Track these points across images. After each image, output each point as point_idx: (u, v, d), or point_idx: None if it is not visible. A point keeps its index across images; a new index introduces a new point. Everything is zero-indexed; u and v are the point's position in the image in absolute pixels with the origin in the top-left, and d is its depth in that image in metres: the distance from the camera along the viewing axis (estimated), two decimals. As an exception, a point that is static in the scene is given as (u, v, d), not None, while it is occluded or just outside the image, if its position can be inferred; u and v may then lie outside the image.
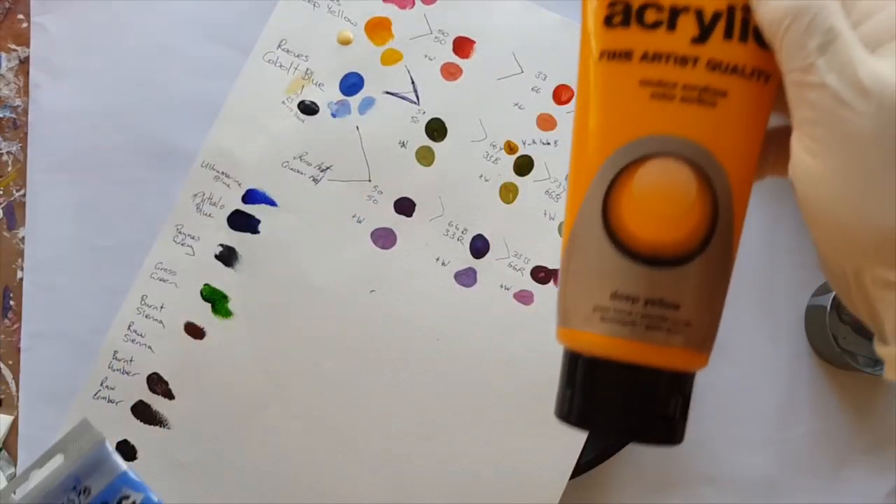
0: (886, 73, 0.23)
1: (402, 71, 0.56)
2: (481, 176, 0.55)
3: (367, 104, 0.56)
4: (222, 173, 0.55)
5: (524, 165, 0.56)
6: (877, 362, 0.59)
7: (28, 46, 0.61)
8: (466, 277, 0.55)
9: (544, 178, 0.56)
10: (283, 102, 0.56)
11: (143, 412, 0.54)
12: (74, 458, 0.46)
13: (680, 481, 0.57)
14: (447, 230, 0.55)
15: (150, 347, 0.54)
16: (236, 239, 0.55)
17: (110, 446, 0.46)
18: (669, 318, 0.25)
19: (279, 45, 0.56)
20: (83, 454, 0.46)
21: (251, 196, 0.55)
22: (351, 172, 0.55)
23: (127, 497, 0.45)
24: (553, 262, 0.55)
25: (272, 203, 0.55)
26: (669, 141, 0.25)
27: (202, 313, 0.55)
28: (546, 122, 0.56)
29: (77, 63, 0.60)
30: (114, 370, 0.54)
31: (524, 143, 0.56)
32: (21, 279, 0.59)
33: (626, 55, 0.26)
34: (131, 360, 0.54)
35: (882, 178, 0.23)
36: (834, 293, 0.57)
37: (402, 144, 0.56)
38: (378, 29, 0.57)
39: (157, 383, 0.54)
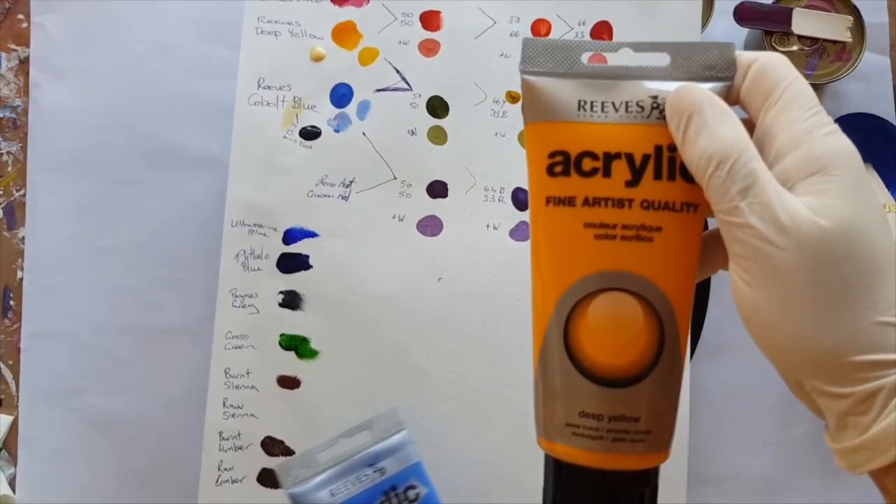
0: (801, 210, 0.25)
1: (383, 65, 0.56)
2: (496, 133, 0.56)
3: (364, 108, 0.56)
4: (255, 225, 0.55)
5: None
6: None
7: (28, 46, 0.61)
8: (521, 232, 0.55)
9: None
10: (285, 137, 0.55)
11: (270, 479, 0.53)
12: (378, 438, 0.49)
13: (680, 482, 0.57)
14: (486, 195, 0.55)
15: (252, 415, 0.54)
16: (293, 281, 0.54)
17: (412, 436, 0.49)
18: (631, 430, 0.29)
19: (259, 85, 0.55)
20: (387, 436, 0.49)
21: (290, 236, 0.55)
22: (375, 177, 0.55)
23: (414, 487, 0.48)
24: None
25: (313, 235, 0.55)
26: (615, 276, 0.29)
27: (289, 363, 0.54)
28: None
29: (77, 63, 0.60)
30: (225, 451, 0.53)
31: None
32: (21, 279, 0.59)
33: (569, 201, 0.29)
34: (239, 435, 0.53)
35: (806, 308, 0.25)
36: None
37: (412, 132, 0.56)
38: (345, 34, 0.57)
39: (273, 445, 0.53)
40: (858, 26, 0.60)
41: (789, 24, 0.59)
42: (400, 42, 0.57)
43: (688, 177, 0.29)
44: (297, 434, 0.53)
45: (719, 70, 0.29)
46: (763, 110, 0.28)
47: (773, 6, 0.59)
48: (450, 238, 0.55)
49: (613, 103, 0.29)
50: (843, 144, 0.27)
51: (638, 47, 0.30)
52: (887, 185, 0.58)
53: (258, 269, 0.54)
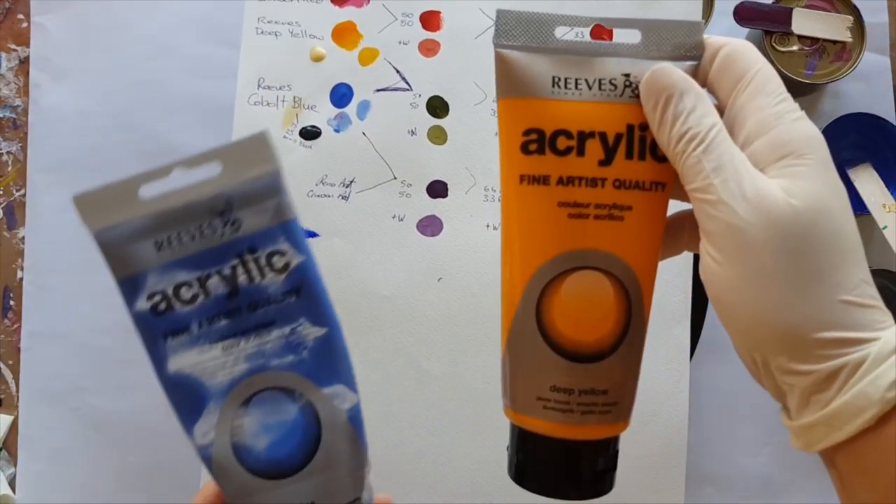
0: (774, 190, 0.26)
1: (383, 65, 0.56)
2: (496, 133, 0.56)
3: (364, 108, 0.56)
4: None
5: None
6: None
7: (28, 46, 0.61)
8: None
9: None
10: (285, 137, 0.55)
11: None
12: (233, 177, 0.33)
13: (679, 482, 0.57)
14: (486, 195, 0.55)
15: None
16: None
17: (285, 180, 0.32)
18: (600, 402, 0.30)
19: (259, 85, 0.56)
20: (248, 176, 0.33)
21: None
22: (375, 177, 0.55)
23: (282, 253, 0.31)
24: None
25: (313, 235, 0.55)
26: (588, 254, 0.30)
27: None
28: None
29: (77, 63, 0.60)
30: None
31: None
32: (21, 279, 0.59)
33: (543, 180, 0.30)
34: None
35: (774, 284, 0.26)
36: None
37: (412, 132, 0.56)
38: (345, 34, 0.57)
39: None
40: (858, 26, 0.59)
41: (789, 23, 0.59)
42: (400, 42, 0.57)
43: (657, 156, 0.29)
44: None
45: (688, 49, 0.30)
46: (732, 95, 0.29)
47: (773, 6, 0.59)
48: (450, 238, 0.55)
49: (587, 80, 0.30)
50: (812, 130, 0.28)
51: (610, 23, 0.30)
52: (888, 185, 0.58)
53: None
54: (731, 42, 0.30)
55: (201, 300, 0.31)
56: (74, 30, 0.60)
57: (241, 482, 0.31)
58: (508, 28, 0.30)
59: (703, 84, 0.30)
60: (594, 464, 0.31)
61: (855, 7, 0.59)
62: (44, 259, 0.59)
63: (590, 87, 0.30)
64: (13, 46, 0.61)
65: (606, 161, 0.29)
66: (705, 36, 0.30)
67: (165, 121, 0.59)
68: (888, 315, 0.27)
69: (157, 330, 0.31)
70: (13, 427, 0.57)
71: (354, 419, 0.31)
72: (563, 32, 0.30)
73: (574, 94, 0.30)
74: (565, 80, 0.30)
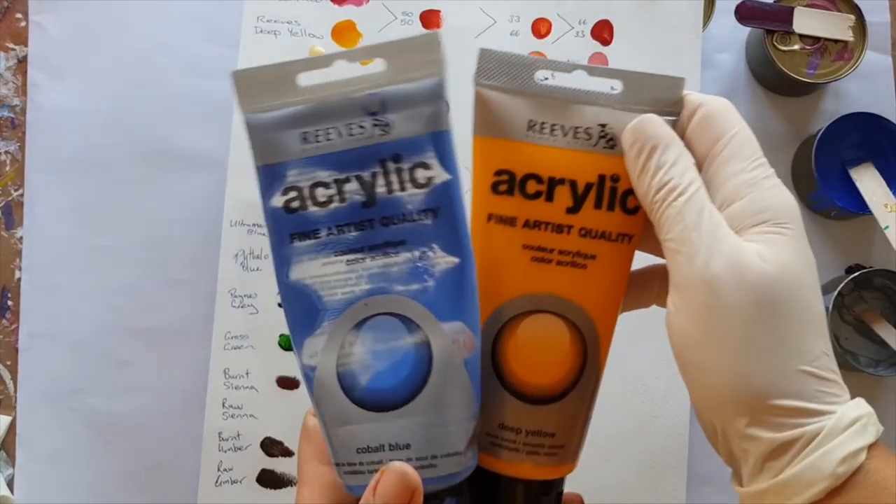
0: (750, 253, 0.27)
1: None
2: None
3: (366, 106, 0.56)
4: (254, 225, 0.54)
5: None
6: (878, 363, 0.59)
7: (26, 45, 0.60)
8: None
9: None
10: None
11: (269, 479, 0.53)
12: (393, 77, 0.30)
13: (679, 482, 0.57)
14: None
15: (252, 416, 0.54)
16: None
17: (446, 90, 0.30)
18: (546, 444, 0.31)
19: None
20: (409, 77, 0.30)
21: None
22: None
23: (427, 167, 0.29)
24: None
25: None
26: (547, 299, 0.30)
27: (289, 363, 0.54)
28: None
29: (75, 62, 0.60)
30: (225, 451, 0.53)
31: None
32: (19, 279, 0.58)
33: (510, 221, 0.30)
34: (238, 435, 0.53)
35: (739, 346, 0.26)
36: (835, 293, 0.56)
37: None
38: (345, 33, 0.56)
39: (271, 446, 0.53)
40: (860, 25, 0.59)
41: (791, 22, 0.59)
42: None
43: (627, 209, 0.30)
44: (297, 435, 0.53)
45: (667, 105, 0.30)
46: (709, 156, 0.29)
47: (775, 5, 0.59)
48: None
49: (563, 127, 0.30)
50: (789, 199, 0.29)
51: (592, 72, 0.31)
52: (889, 185, 0.58)
53: (257, 269, 0.54)
54: (709, 102, 0.30)
55: (335, 205, 0.29)
56: (73, 29, 0.60)
57: (339, 407, 0.29)
58: (490, 68, 0.31)
59: (686, 125, 0.30)
60: (535, 502, 0.32)
61: (856, 6, 0.59)
62: (42, 259, 0.58)
63: (565, 134, 0.30)
64: (11, 45, 0.61)
65: (574, 209, 0.30)
66: (685, 92, 0.30)
67: (164, 120, 0.59)
68: (845, 390, 0.28)
69: (286, 229, 0.29)
70: (11, 428, 0.57)
71: (470, 364, 0.29)
72: (545, 75, 0.31)
73: (549, 139, 0.30)
74: (541, 124, 0.30)
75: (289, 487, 0.53)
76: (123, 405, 0.57)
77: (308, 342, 0.29)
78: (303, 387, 0.53)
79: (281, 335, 0.54)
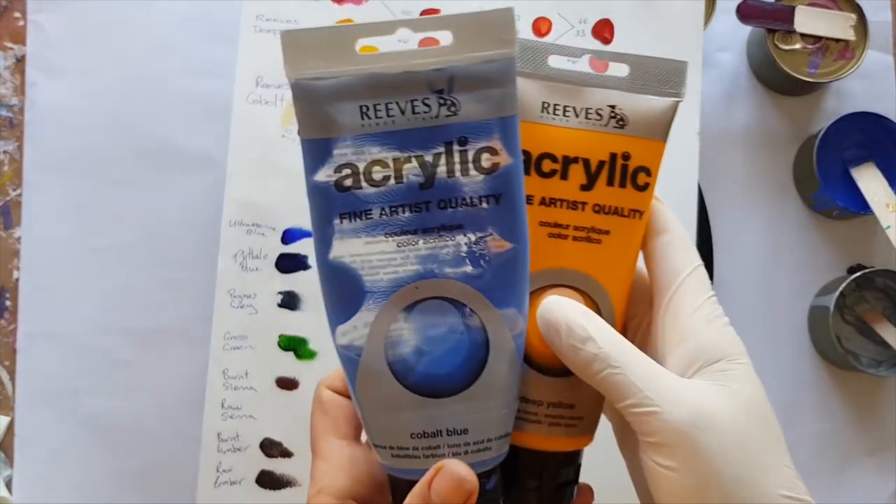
0: (711, 394, 0.28)
1: None
2: None
3: (365, 105, 0.56)
4: (253, 225, 0.54)
5: None
6: (880, 363, 0.59)
7: (24, 45, 0.60)
8: None
9: None
10: (284, 136, 0.55)
11: (268, 480, 0.53)
12: (462, 52, 0.27)
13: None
14: None
15: (251, 416, 0.53)
16: (291, 282, 0.54)
17: (514, 68, 0.28)
18: (567, 415, 0.32)
19: (257, 83, 0.55)
20: (479, 55, 0.27)
21: (289, 236, 0.54)
22: None
23: (493, 152, 0.27)
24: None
25: (311, 234, 0.55)
26: (565, 273, 0.31)
27: (288, 364, 0.53)
28: None
29: (74, 62, 0.60)
30: (224, 452, 0.53)
31: None
32: (17, 279, 0.58)
33: (528, 199, 0.30)
34: (237, 436, 0.53)
35: (731, 486, 0.27)
36: (836, 293, 0.56)
37: None
38: None
39: (271, 447, 0.53)
40: (861, 24, 0.59)
41: (792, 21, 0.59)
42: (399, 41, 0.56)
43: (637, 185, 0.31)
44: (297, 436, 0.53)
45: (672, 86, 0.31)
46: (668, 286, 0.30)
47: (776, 4, 0.59)
48: None
49: (574, 108, 0.31)
50: (735, 334, 0.30)
51: (600, 56, 0.32)
52: (891, 185, 0.58)
53: (256, 269, 0.54)
54: (675, 230, 0.31)
55: (391, 185, 0.27)
56: (71, 28, 0.60)
57: (389, 393, 0.28)
58: None
59: (642, 248, 0.32)
60: (555, 475, 0.32)
61: (858, 5, 0.59)
62: (40, 259, 0.58)
63: (577, 115, 0.31)
64: (10, 45, 0.60)
65: (588, 186, 0.31)
66: (654, 201, 0.32)
67: (163, 120, 0.59)
68: None
69: (335, 207, 0.28)
70: (10, 428, 0.57)
71: (520, 347, 0.29)
72: (557, 61, 0.31)
73: (562, 120, 0.31)
74: (554, 106, 0.31)
75: (288, 488, 0.53)
76: (122, 406, 0.57)
77: (347, 324, 0.28)
78: (303, 387, 0.53)
79: (280, 335, 0.54)
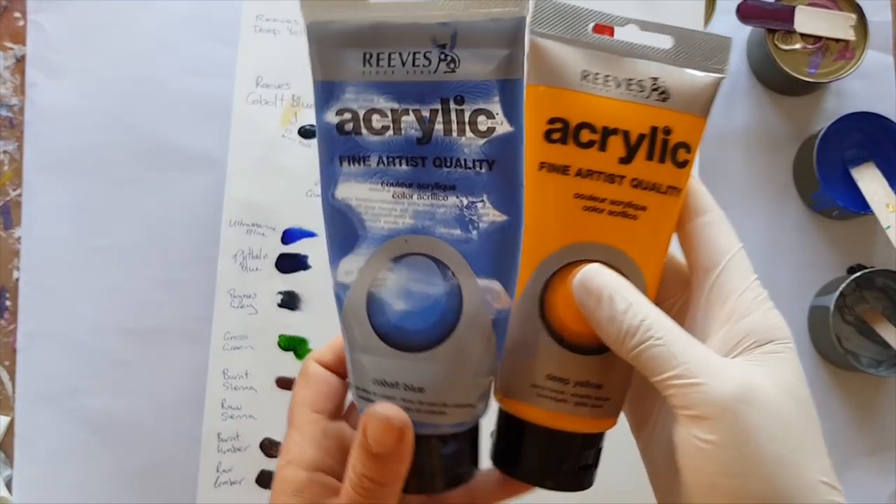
0: (758, 375, 0.27)
1: None
2: None
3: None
4: (253, 225, 0.54)
5: None
6: (880, 363, 0.59)
7: (24, 45, 0.60)
8: None
9: None
10: (284, 136, 0.55)
11: (268, 480, 0.53)
12: (470, 8, 0.27)
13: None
14: None
15: (251, 416, 0.53)
16: (291, 282, 0.54)
17: (523, 32, 0.27)
18: (593, 395, 0.30)
19: (257, 83, 0.55)
20: (486, 11, 0.27)
21: (289, 236, 0.54)
22: None
23: (490, 115, 0.27)
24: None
25: (311, 234, 0.54)
26: (598, 248, 0.30)
27: (288, 363, 0.53)
28: None
29: (74, 61, 0.60)
30: (224, 452, 0.53)
31: None
32: (17, 279, 0.58)
33: (563, 169, 0.30)
34: (237, 436, 0.53)
35: (772, 466, 0.26)
36: (836, 293, 0.56)
37: None
38: None
39: (271, 447, 0.53)
40: (861, 24, 0.59)
41: (792, 21, 0.59)
42: None
43: (676, 161, 0.30)
44: None
45: (715, 62, 0.30)
46: (712, 266, 0.30)
47: (776, 4, 0.59)
48: None
49: (616, 78, 0.30)
50: (782, 319, 0.30)
51: (645, 26, 0.31)
52: (890, 185, 0.57)
53: (256, 269, 0.54)
54: (715, 210, 0.31)
55: (390, 135, 0.28)
56: (71, 28, 0.60)
57: (363, 336, 0.29)
58: (545, 16, 0.30)
59: (678, 228, 0.31)
60: (579, 457, 0.31)
61: (858, 5, 0.59)
62: (40, 259, 0.58)
63: (618, 85, 0.30)
64: (10, 45, 0.60)
65: (627, 159, 0.30)
66: (692, 192, 0.31)
67: (163, 119, 0.59)
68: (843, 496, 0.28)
69: (336, 149, 0.28)
70: (10, 428, 0.57)
71: (499, 324, 0.28)
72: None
73: (602, 89, 0.30)
74: (595, 74, 0.30)
75: None
76: (122, 406, 0.57)
77: (344, 261, 0.29)
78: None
79: (280, 335, 0.54)
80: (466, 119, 0.27)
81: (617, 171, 0.30)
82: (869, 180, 0.58)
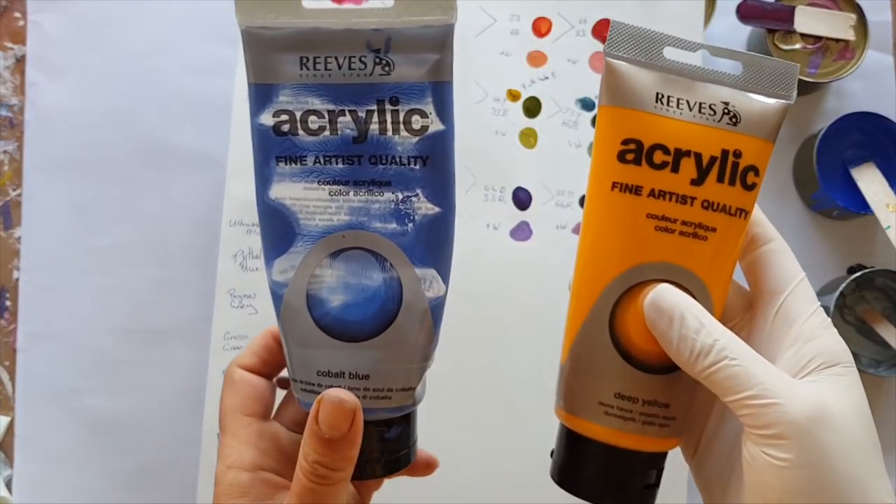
0: (828, 396, 0.28)
1: None
2: (497, 132, 0.55)
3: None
4: (253, 225, 0.54)
5: (532, 107, 0.56)
6: (880, 363, 0.59)
7: (24, 45, 0.60)
8: (521, 232, 0.55)
9: (555, 111, 0.55)
10: None
11: None
12: (402, 15, 0.28)
13: (680, 481, 0.57)
14: (486, 195, 0.55)
15: None
16: None
17: (451, 38, 0.29)
18: (661, 414, 0.31)
19: None
20: (418, 19, 0.28)
21: None
22: None
23: (423, 114, 0.28)
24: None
25: None
26: (668, 268, 0.31)
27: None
28: (536, 59, 0.56)
29: (74, 61, 0.60)
30: None
31: (524, 87, 0.56)
32: (17, 279, 0.58)
33: (636, 190, 0.31)
34: None
35: (846, 486, 0.27)
36: (836, 293, 0.56)
37: None
38: None
39: None
40: (861, 25, 0.59)
41: (792, 22, 0.59)
42: None
43: (746, 184, 0.31)
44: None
45: (783, 89, 0.31)
46: (780, 291, 0.31)
47: (776, 4, 0.59)
48: None
49: (688, 102, 0.31)
50: (844, 343, 0.30)
51: (715, 52, 0.32)
52: (891, 185, 0.58)
53: (257, 269, 0.54)
54: (778, 240, 0.32)
55: (326, 135, 0.29)
56: (71, 28, 0.60)
57: (305, 330, 0.30)
58: (621, 40, 0.31)
59: (742, 255, 0.32)
60: (643, 476, 0.32)
61: (858, 5, 0.59)
62: (40, 259, 0.58)
63: (690, 109, 0.31)
64: (10, 45, 0.60)
65: (698, 181, 0.31)
66: (754, 220, 0.32)
67: (163, 119, 0.59)
68: None
69: (273, 149, 0.30)
70: (10, 428, 0.57)
71: (435, 310, 0.30)
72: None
73: (675, 112, 0.31)
74: (668, 97, 0.31)
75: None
76: (122, 406, 0.57)
77: (279, 260, 0.30)
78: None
79: None
80: (401, 119, 0.29)
81: (689, 193, 0.31)
82: (869, 180, 0.58)
